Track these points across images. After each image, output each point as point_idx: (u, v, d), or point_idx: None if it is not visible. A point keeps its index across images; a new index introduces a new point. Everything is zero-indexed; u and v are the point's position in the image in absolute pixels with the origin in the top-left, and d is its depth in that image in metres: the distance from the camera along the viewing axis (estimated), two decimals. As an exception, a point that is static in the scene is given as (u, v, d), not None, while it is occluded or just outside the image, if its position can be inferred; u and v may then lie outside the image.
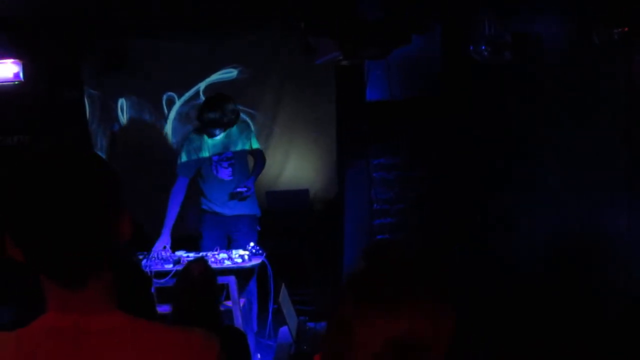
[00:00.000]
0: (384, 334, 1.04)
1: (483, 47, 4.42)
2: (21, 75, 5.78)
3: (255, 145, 6.00)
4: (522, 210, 4.52)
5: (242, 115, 6.20)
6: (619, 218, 3.55)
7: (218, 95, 5.82)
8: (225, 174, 5.77)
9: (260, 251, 5.47)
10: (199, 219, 5.96)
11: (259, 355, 5.62)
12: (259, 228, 6.04)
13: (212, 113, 5.61)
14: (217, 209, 5.83)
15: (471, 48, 4.55)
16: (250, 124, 6.03)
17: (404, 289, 1.09)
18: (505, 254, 4.69)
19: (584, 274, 3.83)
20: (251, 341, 5.18)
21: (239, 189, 5.71)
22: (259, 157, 6.01)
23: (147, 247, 5.34)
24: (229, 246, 5.83)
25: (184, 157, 5.80)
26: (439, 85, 5.53)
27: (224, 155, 5.74)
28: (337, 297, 1.16)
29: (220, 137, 5.74)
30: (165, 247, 5.46)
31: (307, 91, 7.60)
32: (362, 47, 4.53)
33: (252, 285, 5.74)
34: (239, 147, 5.81)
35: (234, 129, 5.78)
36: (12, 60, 5.72)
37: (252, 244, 5.50)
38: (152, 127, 7.70)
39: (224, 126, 5.70)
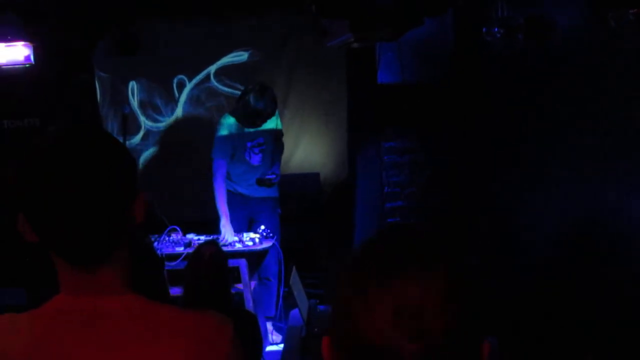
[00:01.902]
0: (387, 308, 1.03)
1: (495, 30, 4.38)
2: (32, 58, 5.76)
3: (280, 125, 5.96)
4: (537, 196, 4.49)
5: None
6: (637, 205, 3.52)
7: (266, 88, 5.63)
8: (256, 159, 5.75)
9: (271, 234, 5.48)
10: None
11: (274, 337, 5.65)
12: (279, 210, 6.03)
13: (267, 106, 5.49)
14: (243, 191, 5.82)
15: (484, 30, 4.51)
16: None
17: (396, 259, 1.08)
18: (518, 239, 4.67)
19: (602, 259, 3.80)
20: (262, 324, 5.19)
21: (268, 176, 5.69)
22: (279, 139, 6.00)
23: (159, 229, 5.35)
24: (250, 227, 5.82)
25: (221, 141, 5.67)
26: (451, 67, 5.50)
27: (256, 142, 5.71)
28: (335, 282, 1.15)
29: None
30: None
31: (318, 74, 7.58)
32: (374, 29, 4.50)
33: (274, 266, 5.72)
34: (267, 134, 5.76)
35: None
36: (23, 43, 5.71)
37: (262, 227, 5.50)
38: (163, 110, 7.70)
39: (269, 117, 5.63)
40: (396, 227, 1.24)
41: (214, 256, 3.69)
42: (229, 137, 5.62)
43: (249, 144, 5.68)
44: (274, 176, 5.73)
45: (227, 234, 5.43)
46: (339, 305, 1.11)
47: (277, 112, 5.80)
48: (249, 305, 5.24)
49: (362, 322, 1.05)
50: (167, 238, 5.25)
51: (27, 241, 1.31)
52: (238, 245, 5.24)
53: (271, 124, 5.75)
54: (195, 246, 4.52)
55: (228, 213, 5.53)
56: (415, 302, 1.03)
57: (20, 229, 1.31)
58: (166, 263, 5.04)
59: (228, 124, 5.66)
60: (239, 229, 5.63)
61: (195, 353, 1.34)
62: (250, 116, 5.50)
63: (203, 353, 1.35)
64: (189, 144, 7.24)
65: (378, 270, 1.07)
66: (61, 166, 1.27)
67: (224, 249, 4.53)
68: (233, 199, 5.84)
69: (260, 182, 5.73)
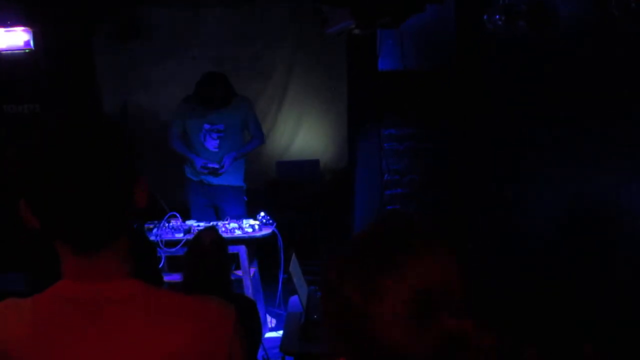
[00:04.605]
0: (401, 295, 1.01)
1: (497, 17, 4.36)
2: (32, 43, 5.74)
3: (252, 127, 5.95)
4: (537, 182, 4.48)
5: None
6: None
7: (212, 73, 5.76)
8: (212, 144, 5.76)
9: (271, 221, 5.48)
10: (185, 187, 5.97)
11: (273, 324, 5.66)
12: (245, 198, 6.04)
13: (206, 90, 5.61)
14: (202, 178, 5.84)
15: (485, 17, 4.49)
16: (251, 104, 5.96)
17: (399, 246, 1.05)
18: (519, 226, 4.67)
19: (603, 259, 3.80)
20: (261, 310, 5.21)
21: (210, 164, 5.72)
22: (255, 138, 6.00)
23: (159, 216, 5.35)
24: (217, 215, 5.85)
25: (177, 119, 5.88)
26: (452, 55, 5.48)
27: (215, 127, 5.72)
28: (332, 289, 1.11)
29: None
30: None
31: (319, 61, 7.58)
32: (374, 16, 4.49)
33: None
34: (231, 123, 5.77)
35: (232, 105, 5.73)
36: (22, 28, 5.69)
37: (262, 213, 5.51)
38: (162, 96, 7.68)
39: (216, 104, 5.66)
40: (386, 217, 1.21)
41: (213, 243, 3.70)
42: (182, 115, 5.84)
43: (206, 127, 5.70)
44: (217, 165, 5.73)
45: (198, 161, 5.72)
46: (346, 309, 1.06)
47: (251, 112, 5.84)
48: (248, 291, 5.26)
49: (383, 320, 1.02)
50: (166, 224, 5.25)
51: (28, 228, 1.31)
52: (237, 232, 5.24)
53: (237, 119, 5.78)
54: (195, 232, 4.52)
55: (192, 155, 5.79)
56: (439, 281, 1.01)
57: (22, 215, 1.31)
58: (166, 249, 5.05)
59: (186, 103, 5.86)
60: (202, 217, 5.69)
61: (197, 338, 1.34)
62: (201, 102, 5.69)
63: (205, 338, 1.35)
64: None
65: (385, 259, 1.04)
66: (62, 152, 1.27)
67: (224, 235, 4.53)
68: (194, 187, 5.89)
69: (204, 168, 5.74)
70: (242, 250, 5.23)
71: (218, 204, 5.92)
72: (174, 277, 5.02)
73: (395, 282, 1.02)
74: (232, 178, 5.87)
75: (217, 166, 5.71)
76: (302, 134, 7.96)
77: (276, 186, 7.44)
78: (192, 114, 5.75)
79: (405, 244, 1.06)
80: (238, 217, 5.57)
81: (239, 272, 5.32)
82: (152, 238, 5.09)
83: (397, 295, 1.02)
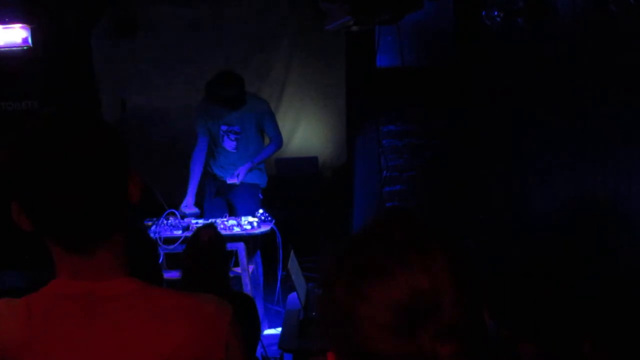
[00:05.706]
0: (385, 303, 1.00)
1: (495, 13, 4.35)
2: (30, 40, 5.73)
3: (270, 130, 5.88)
4: (536, 179, 4.48)
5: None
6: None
7: (226, 74, 5.68)
8: (229, 145, 5.75)
9: (269, 218, 5.47)
10: (203, 180, 5.97)
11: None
12: (261, 196, 6.01)
13: (218, 90, 5.54)
14: (218, 172, 5.83)
15: (483, 13, 4.48)
16: (268, 106, 5.91)
17: (392, 251, 1.04)
18: (518, 222, 4.67)
19: (603, 256, 3.79)
20: (260, 307, 5.21)
21: (229, 180, 5.72)
22: (273, 142, 5.95)
23: (156, 213, 5.34)
24: (230, 212, 5.84)
25: (199, 118, 5.80)
26: (451, 51, 5.48)
27: (232, 129, 5.70)
28: (327, 286, 1.11)
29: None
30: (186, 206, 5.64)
31: (317, 58, 7.57)
32: (373, 12, 4.48)
33: (256, 253, 5.75)
34: (247, 125, 5.73)
35: (248, 107, 5.69)
36: (20, 25, 5.67)
37: (260, 210, 5.50)
38: (161, 93, 7.67)
39: (229, 106, 5.61)
40: (386, 216, 1.19)
41: (212, 240, 3.69)
42: (207, 116, 5.74)
43: (224, 128, 5.69)
44: (235, 179, 5.70)
45: (185, 201, 5.66)
46: (335, 308, 1.06)
47: (267, 115, 5.80)
48: (247, 288, 5.25)
49: (366, 320, 1.01)
50: (165, 222, 5.24)
51: (22, 229, 1.30)
52: (236, 229, 5.24)
53: (252, 121, 5.73)
54: (193, 230, 4.52)
55: (196, 182, 5.75)
56: (428, 294, 0.99)
57: (15, 217, 1.30)
58: (164, 247, 5.04)
59: (206, 103, 5.75)
60: (213, 211, 5.73)
61: (194, 336, 1.34)
62: (220, 104, 5.59)
63: (202, 336, 1.35)
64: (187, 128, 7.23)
65: (375, 263, 1.03)
66: (52, 151, 1.26)
67: (222, 232, 4.53)
68: (210, 181, 5.89)
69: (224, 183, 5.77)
70: (240, 247, 5.23)
71: (231, 200, 5.91)
72: (173, 274, 5.02)
73: (383, 288, 1.01)
74: (248, 176, 5.83)
75: (234, 179, 5.69)
76: (300, 130, 7.94)
77: (275, 183, 7.44)
78: (211, 115, 5.70)
79: (401, 249, 1.04)
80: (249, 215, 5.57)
81: (238, 269, 5.31)
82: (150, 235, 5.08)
83: (383, 300, 1.01)
